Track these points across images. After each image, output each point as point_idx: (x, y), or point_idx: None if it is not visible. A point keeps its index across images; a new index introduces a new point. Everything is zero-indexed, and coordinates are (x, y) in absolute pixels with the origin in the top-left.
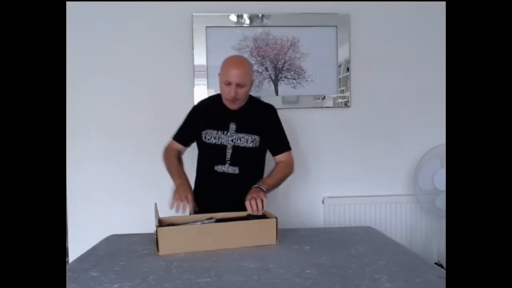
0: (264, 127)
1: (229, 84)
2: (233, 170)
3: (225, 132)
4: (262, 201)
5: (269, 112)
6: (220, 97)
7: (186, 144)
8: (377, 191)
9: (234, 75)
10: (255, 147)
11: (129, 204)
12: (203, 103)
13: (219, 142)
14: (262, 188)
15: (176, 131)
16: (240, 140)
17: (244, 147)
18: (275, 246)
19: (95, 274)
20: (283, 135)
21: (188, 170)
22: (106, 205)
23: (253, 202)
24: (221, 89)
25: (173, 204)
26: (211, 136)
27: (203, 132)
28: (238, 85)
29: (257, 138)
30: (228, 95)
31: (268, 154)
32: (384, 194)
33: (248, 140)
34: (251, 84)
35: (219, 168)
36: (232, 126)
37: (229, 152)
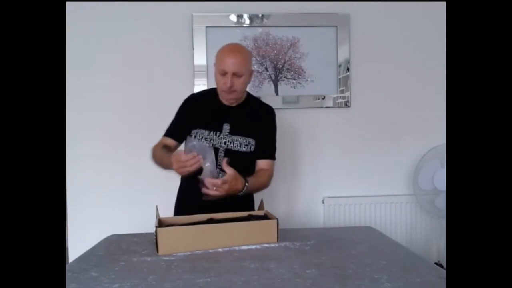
0: (260, 129)
1: (224, 73)
2: (224, 176)
3: (217, 134)
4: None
5: (268, 114)
6: (215, 92)
7: (180, 140)
8: (377, 191)
9: (230, 63)
10: (250, 151)
11: (129, 204)
12: (195, 98)
13: (211, 144)
14: (245, 183)
15: (168, 128)
16: (233, 143)
17: (237, 151)
18: (275, 246)
19: (95, 274)
20: (274, 142)
21: (174, 179)
22: (106, 205)
23: (220, 187)
24: (217, 81)
25: (187, 163)
26: (202, 136)
27: (193, 131)
28: (235, 75)
29: (252, 141)
30: (224, 85)
31: None
32: (384, 194)
33: (242, 144)
34: (250, 75)
35: None
36: (226, 127)
37: (221, 156)
